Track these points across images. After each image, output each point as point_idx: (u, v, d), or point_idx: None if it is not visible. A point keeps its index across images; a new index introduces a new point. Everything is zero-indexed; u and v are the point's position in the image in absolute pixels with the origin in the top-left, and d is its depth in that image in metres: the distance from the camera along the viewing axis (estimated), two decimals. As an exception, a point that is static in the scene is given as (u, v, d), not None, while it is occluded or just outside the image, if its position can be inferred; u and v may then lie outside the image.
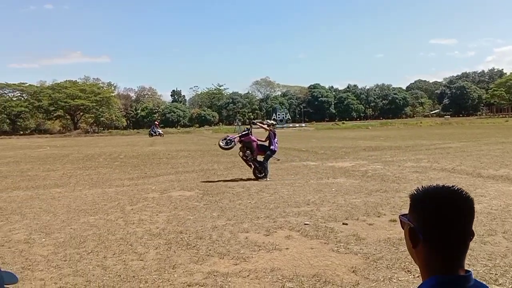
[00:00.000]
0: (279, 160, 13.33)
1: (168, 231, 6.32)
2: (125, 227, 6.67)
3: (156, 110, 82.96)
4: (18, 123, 72.87)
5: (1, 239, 6.12)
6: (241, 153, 11.75)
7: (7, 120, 72.08)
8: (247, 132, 11.87)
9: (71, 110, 73.11)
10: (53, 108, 71.78)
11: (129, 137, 51.87)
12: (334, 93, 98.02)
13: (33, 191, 10.50)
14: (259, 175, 11.40)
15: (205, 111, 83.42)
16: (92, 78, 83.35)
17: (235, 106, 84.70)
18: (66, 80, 75.08)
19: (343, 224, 6.45)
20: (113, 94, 79.82)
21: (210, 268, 4.73)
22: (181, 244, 5.67)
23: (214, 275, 4.52)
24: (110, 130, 71.65)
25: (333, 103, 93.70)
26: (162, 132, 47.17)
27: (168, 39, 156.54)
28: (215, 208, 7.93)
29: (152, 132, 45.59)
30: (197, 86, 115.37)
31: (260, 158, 11.66)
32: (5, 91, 73.76)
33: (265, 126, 12.03)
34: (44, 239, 6.08)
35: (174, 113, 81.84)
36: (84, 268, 4.80)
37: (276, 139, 11.72)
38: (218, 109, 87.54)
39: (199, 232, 6.26)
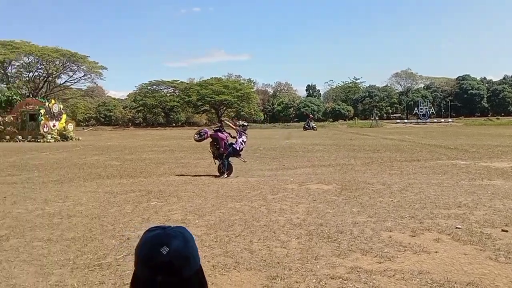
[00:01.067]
0: (245, 161, 12.83)
1: (309, 223, 6.43)
2: (268, 214, 7.00)
3: (292, 105, 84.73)
4: (171, 116, 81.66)
5: (162, 218, 6.96)
6: (210, 147, 12.09)
7: (162, 114, 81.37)
8: (218, 128, 12.21)
9: (216, 105, 79.16)
10: (201, 103, 78.63)
11: (267, 130, 54.11)
12: (486, 85, 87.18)
13: (186, 177, 11.68)
14: (224, 171, 11.56)
15: (339, 105, 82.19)
16: (234, 75, 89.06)
17: (371, 100, 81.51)
18: (212, 77, 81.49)
19: (503, 230, 5.74)
20: (252, 90, 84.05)
21: (352, 264, 4.68)
22: (322, 236, 5.72)
23: (357, 271, 4.46)
24: (249, 124, 75.75)
25: (485, 96, 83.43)
26: (315, 126, 47.20)
27: (301, 35, 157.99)
28: (354, 203, 7.80)
29: (307, 126, 46.02)
30: (332, 80, 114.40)
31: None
32: (161, 88, 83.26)
33: (232, 125, 12.43)
34: (197, 221, 6.73)
35: (309, 107, 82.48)
36: (233, 250, 5.18)
37: (242, 139, 11.89)
38: (354, 103, 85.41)
39: (339, 226, 6.23)
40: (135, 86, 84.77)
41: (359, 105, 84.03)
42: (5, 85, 59.45)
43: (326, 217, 6.77)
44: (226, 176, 11.46)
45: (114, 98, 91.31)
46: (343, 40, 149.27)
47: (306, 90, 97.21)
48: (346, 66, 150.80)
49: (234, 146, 11.88)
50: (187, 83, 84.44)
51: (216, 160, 11.97)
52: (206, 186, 9.92)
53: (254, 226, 6.29)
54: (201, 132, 12.49)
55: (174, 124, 78.21)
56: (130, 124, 78.24)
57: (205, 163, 14.85)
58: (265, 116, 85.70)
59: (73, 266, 4.68)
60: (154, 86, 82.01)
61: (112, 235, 5.93)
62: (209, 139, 12.13)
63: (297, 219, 6.68)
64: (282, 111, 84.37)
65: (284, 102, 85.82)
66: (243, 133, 12.02)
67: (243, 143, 12.04)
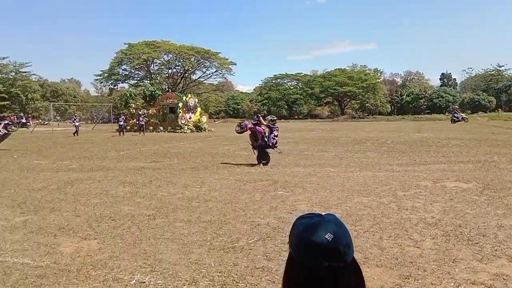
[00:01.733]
0: (280, 152, 13.71)
1: (445, 223, 5.94)
2: (399, 212, 6.66)
3: (423, 95, 78.95)
4: (294, 109, 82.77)
5: (289, 207, 7.10)
6: (250, 139, 13.09)
7: (286, 106, 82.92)
8: (257, 121, 13.00)
9: (339, 97, 77.86)
10: (323, 95, 78.13)
11: (394, 123, 51.38)
12: None
13: (310, 168, 11.74)
14: (262, 161, 12.53)
15: (479, 95, 73.91)
16: (359, 65, 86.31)
17: (519, 89, 71.60)
18: (336, 69, 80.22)
19: None
20: (379, 80, 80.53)
21: (497, 270, 4.20)
22: (461, 239, 5.23)
23: (503, 278, 4.00)
24: (374, 116, 72.86)
25: None
26: (465, 116, 43.38)
27: (435, 19, 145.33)
28: (499, 205, 6.97)
29: (455, 118, 42.74)
30: (471, 68, 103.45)
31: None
32: (285, 81, 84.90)
33: (264, 122, 12.87)
34: (323, 213, 6.71)
35: (443, 98, 75.89)
36: (362, 245, 5.05)
37: (273, 134, 12.60)
38: (496, 93, 75.99)
39: (481, 228, 5.63)
40: (261, 80, 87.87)
41: (502, 95, 74.61)
42: (148, 81, 66.79)
43: (465, 218, 6.18)
44: (263, 165, 12.40)
45: (241, 92, 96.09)
46: (483, 23, 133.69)
47: (440, 79, 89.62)
48: (488, 52, 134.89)
49: (266, 140, 12.68)
50: (310, 76, 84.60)
51: (254, 151, 12.93)
52: (331, 179, 9.84)
53: (383, 222, 6.05)
54: (242, 125, 13.77)
55: (296, 117, 79.18)
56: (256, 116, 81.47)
57: (329, 156, 14.74)
58: (393, 107, 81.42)
59: (210, 247, 5.07)
60: (278, 80, 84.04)
61: (244, 220, 6.26)
62: (249, 132, 13.14)
63: (431, 218, 6.22)
64: (411, 102, 79.24)
65: (414, 93, 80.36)
66: (273, 128, 12.76)
67: (276, 137, 12.77)
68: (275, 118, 13.28)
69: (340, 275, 1.01)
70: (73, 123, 34.00)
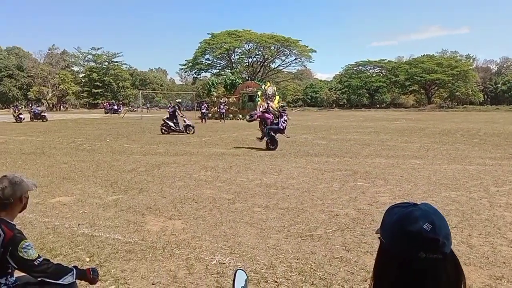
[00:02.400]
0: (288, 137, 14.83)
1: (547, 224, 5.37)
2: (491, 208, 6.14)
3: (522, 84, 71.74)
4: (376, 97, 79.79)
5: (369, 199, 6.89)
6: (259, 126, 14.62)
7: (367, 94, 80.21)
8: (266, 110, 14.48)
9: (426, 85, 73.56)
10: (409, 83, 74.32)
11: (487, 114, 47.41)
12: None
13: (393, 160, 11.25)
14: (271, 147, 13.53)
15: None
16: (450, 51, 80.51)
17: None
18: (423, 55, 75.80)
19: None
20: (471, 67, 74.59)
21: None
22: None
23: None
24: (465, 106, 67.84)
25: None
26: None
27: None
28: None
29: None
30: None
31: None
32: (367, 68, 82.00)
33: (274, 109, 14.50)
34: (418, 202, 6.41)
35: (547, 86, 68.37)
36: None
37: (283, 119, 13.71)
38: None
39: None
40: (341, 68, 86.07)
41: None
42: (229, 70, 68.50)
43: None
44: (273, 148, 13.47)
45: (320, 80, 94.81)
46: None
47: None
48: None
49: (277, 125, 13.72)
50: (395, 62, 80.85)
51: (265, 137, 13.86)
52: (415, 171, 9.35)
53: (473, 219, 5.62)
54: (252, 114, 15.23)
55: (378, 106, 76.38)
56: (335, 105, 79.95)
57: (414, 147, 14.01)
58: (485, 97, 75.13)
59: (288, 234, 5.10)
60: (360, 67, 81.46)
61: (322, 209, 6.20)
62: (259, 120, 14.60)
63: (531, 217, 5.66)
64: (507, 91, 72.52)
65: (511, 81, 73.21)
66: (283, 114, 13.88)
67: (285, 122, 13.82)
68: (285, 105, 14.70)
69: (438, 267, 0.96)
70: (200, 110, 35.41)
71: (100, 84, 76.40)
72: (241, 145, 15.04)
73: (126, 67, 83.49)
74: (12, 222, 2.43)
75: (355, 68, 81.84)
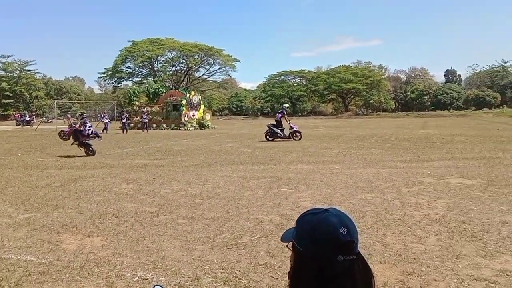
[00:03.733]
0: (100, 139, 16.11)
1: (449, 219, 5.91)
2: (402, 208, 6.63)
3: (427, 92, 78.68)
4: (297, 106, 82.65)
5: (292, 204, 7.09)
6: (73, 140, 15.36)
7: (289, 103, 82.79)
8: (74, 127, 15.51)
9: (343, 94, 77.70)
10: (327, 92, 77.98)
11: (398, 120, 51.27)
12: None
13: (314, 165, 11.71)
14: (90, 154, 14.82)
15: (484, 91, 73.48)
16: (364, 61, 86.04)
17: (524, 86, 71.17)
18: (340, 65, 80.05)
19: None
20: (383, 77, 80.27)
21: (501, 266, 4.19)
22: (465, 235, 5.21)
23: (507, 274, 3.99)
24: (378, 113, 72.78)
25: None
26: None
27: (443, 16, 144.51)
28: (503, 201, 6.93)
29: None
30: (476, 64, 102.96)
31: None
32: (288, 78, 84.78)
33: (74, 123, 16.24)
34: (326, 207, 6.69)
35: (447, 94, 75.64)
36: (365, 241, 5.02)
37: (87, 127, 15.17)
38: (501, 90, 75.55)
39: (485, 225, 5.61)
40: (265, 77, 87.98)
41: (507, 91, 74.26)
42: (152, 79, 66.93)
43: (469, 214, 6.15)
44: (91, 154, 14.85)
45: (245, 89, 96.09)
46: (488, 18, 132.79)
47: (445, 75, 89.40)
48: (493, 48, 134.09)
49: (82, 132, 15.00)
50: (314, 72, 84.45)
51: (82, 148, 15.01)
52: (334, 176, 9.81)
53: (387, 219, 6.02)
54: (63, 133, 16.34)
55: (300, 114, 79.09)
56: (259, 113, 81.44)
57: (332, 153, 14.70)
58: (397, 104, 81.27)
59: (213, 244, 5.07)
60: (282, 77, 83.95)
61: (247, 217, 6.25)
62: (72, 135, 15.40)
63: (435, 214, 6.19)
64: (416, 98, 79.04)
65: (419, 89, 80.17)
66: (86, 122, 15.21)
67: (90, 128, 15.28)
68: (83, 113, 16.51)
69: (353, 267, 1.01)
70: (102, 121, 34.07)
71: (11, 94, 70.49)
72: (165, 156, 14.70)
73: (40, 76, 77.98)
74: None
75: (277, 78, 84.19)
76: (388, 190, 8.05)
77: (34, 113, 61.66)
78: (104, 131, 30.89)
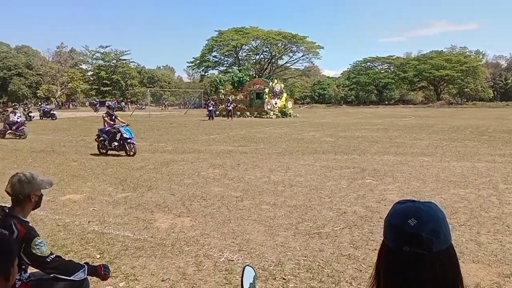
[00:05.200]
0: None
1: (557, 221, 5.34)
2: (500, 206, 6.11)
3: (533, 79, 70.87)
4: (384, 94, 79.33)
5: (377, 196, 6.88)
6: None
7: (375, 91, 79.78)
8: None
9: (435, 81, 72.91)
10: (417, 79, 73.70)
11: (497, 110, 46.97)
12: None
13: (401, 157, 11.20)
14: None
15: None
16: (459, 47, 79.66)
17: None
18: (432, 51, 75.08)
19: None
20: (480, 63, 73.74)
21: None
22: None
23: None
24: (474, 102, 67.21)
25: None
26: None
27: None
28: None
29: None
30: None
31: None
32: (375, 64, 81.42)
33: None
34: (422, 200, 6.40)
35: (559, 82, 67.45)
36: (457, 239, 4.72)
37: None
38: None
39: None
40: (349, 64, 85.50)
41: None
42: (237, 68, 68.47)
43: None
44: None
45: (328, 77, 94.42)
46: None
47: (555, 61, 79.60)
48: None
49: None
50: (404, 58, 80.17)
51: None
52: (424, 169, 9.31)
53: (482, 216, 5.60)
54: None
55: (386, 102, 75.94)
56: (343, 102, 79.64)
57: (422, 144, 13.94)
58: (495, 93, 74.36)
59: (295, 231, 5.12)
60: (368, 63, 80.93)
61: (329, 207, 6.21)
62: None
63: (541, 215, 5.63)
64: (518, 87, 71.49)
65: (522, 77, 72.33)
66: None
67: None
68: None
69: (421, 262, 0.98)
70: (207, 108, 34.22)
71: (109, 82, 76.76)
72: (249, 143, 15.06)
73: (134, 65, 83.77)
74: (25, 219, 2.48)
75: (363, 65, 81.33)
76: (484, 186, 7.46)
77: (129, 100, 66.69)
78: (210, 118, 32.22)
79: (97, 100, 57.97)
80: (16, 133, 17.46)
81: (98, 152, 12.39)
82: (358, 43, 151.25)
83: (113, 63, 79.32)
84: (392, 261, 1.02)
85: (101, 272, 2.62)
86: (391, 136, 16.88)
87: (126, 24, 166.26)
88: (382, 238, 1.08)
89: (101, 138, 12.40)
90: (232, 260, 4.25)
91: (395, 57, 79.63)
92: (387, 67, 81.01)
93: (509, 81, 74.52)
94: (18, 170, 2.72)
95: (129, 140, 12.06)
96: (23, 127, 17.74)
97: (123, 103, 55.78)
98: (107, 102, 16.21)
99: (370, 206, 6.25)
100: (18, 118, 17.86)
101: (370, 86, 78.65)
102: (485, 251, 4.40)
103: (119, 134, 12.14)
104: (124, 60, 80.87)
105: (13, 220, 2.38)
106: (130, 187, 7.77)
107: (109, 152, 12.30)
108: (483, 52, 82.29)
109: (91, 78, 77.50)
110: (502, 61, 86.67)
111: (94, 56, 79.67)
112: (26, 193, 2.47)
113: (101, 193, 7.28)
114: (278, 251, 4.48)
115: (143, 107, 55.69)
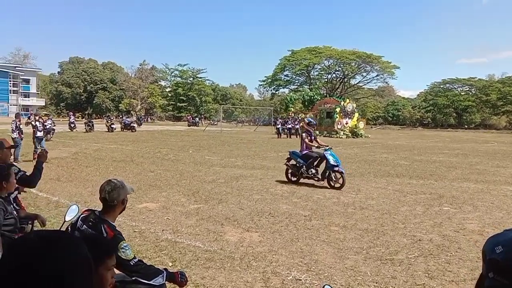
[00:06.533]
0: None
1: None
2: None
3: None
4: (464, 117, 74.71)
5: (456, 225, 6.45)
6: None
7: (454, 114, 75.38)
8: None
9: (522, 105, 67.38)
10: (501, 103, 68.66)
11: None
12: None
13: (483, 185, 10.44)
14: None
15: None
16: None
17: None
18: (519, 73, 69.64)
19: None
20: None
21: None
22: None
23: None
24: None
25: None
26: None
27: None
28: None
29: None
30: None
31: None
32: (454, 86, 77.19)
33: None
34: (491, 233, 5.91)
35: None
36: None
37: None
38: None
39: None
40: (427, 85, 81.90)
41: None
42: (308, 86, 68.48)
43: None
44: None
45: (403, 98, 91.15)
46: None
47: None
48: None
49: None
50: (486, 81, 75.19)
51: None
52: (508, 198, 8.59)
53: None
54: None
55: (466, 126, 71.38)
56: (418, 124, 76.19)
57: (507, 172, 12.88)
58: None
59: (366, 256, 4.95)
60: (448, 85, 77.02)
61: (403, 233, 5.93)
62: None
63: None
64: None
65: None
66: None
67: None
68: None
69: None
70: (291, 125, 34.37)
71: (185, 99, 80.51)
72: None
73: (209, 83, 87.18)
74: (113, 224, 2.67)
75: (441, 86, 77.52)
76: None
77: (202, 116, 69.38)
78: (279, 136, 32.73)
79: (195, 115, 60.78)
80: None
81: (286, 180, 10.35)
82: (436, 64, 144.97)
83: (190, 80, 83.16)
84: (481, 286, 1.03)
85: (178, 279, 2.72)
86: (471, 162, 15.81)
87: (203, 44, 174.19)
88: (465, 270, 1.06)
89: (296, 163, 10.27)
90: (300, 280, 4.20)
91: (476, 79, 75.03)
92: (467, 89, 76.50)
93: None
94: (100, 177, 2.94)
95: (336, 168, 9.58)
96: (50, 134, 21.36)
97: (197, 119, 58.29)
98: (306, 118, 13.80)
99: (448, 235, 5.87)
100: (49, 125, 21.10)
101: (449, 109, 74.53)
102: None
103: (322, 159, 9.99)
104: (200, 78, 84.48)
105: (103, 224, 2.58)
106: (202, 199, 8.03)
107: (187, 163, 12.81)
108: None
109: (169, 94, 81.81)
110: None
111: (173, 74, 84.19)
112: (120, 199, 2.66)
113: (175, 203, 7.59)
114: (348, 274, 4.35)
115: (215, 123, 57.53)
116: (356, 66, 69.29)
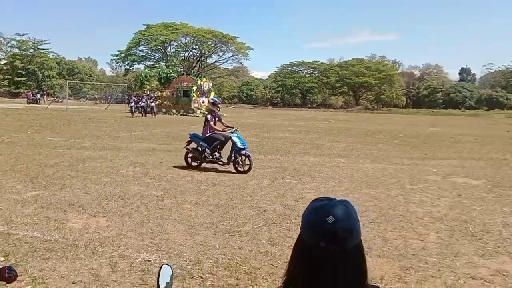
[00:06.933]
0: None
1: (451, 218, 5.95)
2: (406, 205, 6.67)
3: (440, 89, 77.72)
4: (308, 97, 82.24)
5: (296, 195, 7.17)
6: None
7: (300, 94, 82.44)
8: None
9: (355, 87, 77.07)
10: (339, 85, 77.36)
11: (409, 116, 50.82)
12: None
13: (320, 158, 11.75)
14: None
15: (497, 92, 72.43)
16: (378, 55, 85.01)
17: (540, 88, 70.02)
18: (353, 58, 79.25)
19: None
20: (396, 72, 79.34)
21: (498, 266, 4.25)
22: (465, 234, 5.26)
23: (503, 275, 4.05)
24: (389, 108, 72.10)
25: None
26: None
27: (460, 13, 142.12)
28: (507, 203, 6.95)
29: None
30: (491, 64, 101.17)
31: None
32: (301, 68, 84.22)
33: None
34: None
35: (460, 93, 74.69)
36: (365, 235, 5.07)
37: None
38: (516, 91, 74.42)
39: (487, 225, 5.64)
40: (276, 67, 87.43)
41: (522, 93, 73.03)
42: (164, 63, 66.85)
43: (471, 214, 6.18)
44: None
45: (256, 78, 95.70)
46: (506, 18, 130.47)
47: (459, 73, 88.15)
48: (510, 48, 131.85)
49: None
50: (327, 64, 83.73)
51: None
52: (340, 169, 9.86)
53: (389, 214, 6.07)
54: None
55: (310, 106, 78.73)
56: (269, 103, 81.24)
57: (340, 146, 14.70)
58: (408, 100, 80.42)
59: (216, 230, 5.16)
60: (295, 67, 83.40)
61: (251, 205, 6.34)
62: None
63: (438, 212, 6.23)
64: (428, 96, 78.01)
65: (432, 86, 79.02)
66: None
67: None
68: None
69: (335, 258, 1.03)
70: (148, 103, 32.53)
71: (24, 73, 70.86)
72: (173, 141, 14.81)
73: (53, 55, 78.02)
74: None
75: (289, 68, 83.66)
76: (392, 186, 8.08)
77: (45, 92, 62.25)
78: (153, 115, 31.32)
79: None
80: None
81: (185, 165, 9.55)
82: (287, 47, 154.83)
83: (30, 52, 73.35)
84: (307, 255, 1.06)
85: (5, 275, 2.43)
86: (311, 138, 17.59)
87: (46, 11, 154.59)
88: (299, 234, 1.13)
89: (198, 146, 9.58)
90: (149, 261, 4.17)
91: (319, 62, 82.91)
92: (311, 72, 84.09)
93: (421, 90, 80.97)
94: None
95: (243, 152, 9.18)
96: None
97: (38, 95, 51.87)
98: (211, 98, 12.45)
99: (289, 204, 6.48)
100: None
101: (295, 90, 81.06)
102: (390, 246, 4.77)
103: (228, 142, 9.48)
104: (43, 49, 75.19)
105: None
106: (41, 185, 7.28)
107: (25, 146, 11.40)
108: (400, 62, 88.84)
109: (4, 68, 71.04)
110: (416, 71, 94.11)
111: (9, 44, 73.12)
112: None
113: (8, 191, 6.74)
114: (197, 250, 4.48)
115: (61, 100, 52.24)
116: (213, 45, 70.02)
